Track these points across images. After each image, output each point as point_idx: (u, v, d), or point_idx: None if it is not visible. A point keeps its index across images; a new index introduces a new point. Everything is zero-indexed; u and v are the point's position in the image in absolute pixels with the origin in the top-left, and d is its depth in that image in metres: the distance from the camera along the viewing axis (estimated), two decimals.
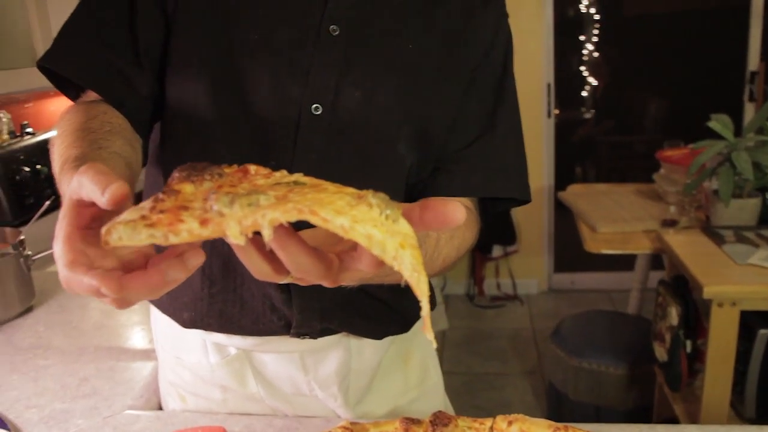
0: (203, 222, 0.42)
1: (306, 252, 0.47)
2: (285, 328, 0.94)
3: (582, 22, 4.81)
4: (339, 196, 0.44)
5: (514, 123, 0.99)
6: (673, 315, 2.04)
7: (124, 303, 0.49)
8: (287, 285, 0.91)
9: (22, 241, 1.43)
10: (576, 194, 2.91)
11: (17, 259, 1.41)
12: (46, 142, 1.81)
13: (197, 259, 0.48)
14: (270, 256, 0.49)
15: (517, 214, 3.99)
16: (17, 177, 1.68)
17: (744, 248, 1.98)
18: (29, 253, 1.45)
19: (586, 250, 2.36)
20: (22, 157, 1.72)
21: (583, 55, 5.04)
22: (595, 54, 4.97)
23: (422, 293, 0.43)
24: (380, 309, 1.01)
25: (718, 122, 2.25)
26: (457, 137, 0.94)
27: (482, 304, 4.17)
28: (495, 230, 4.04)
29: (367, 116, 0.88)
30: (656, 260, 2.83)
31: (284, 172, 0.48)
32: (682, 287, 2.05)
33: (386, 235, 0.42)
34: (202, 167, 0.47)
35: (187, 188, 0.45)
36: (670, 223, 2.33)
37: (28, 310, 1.48)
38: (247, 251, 0.48)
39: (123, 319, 1.43)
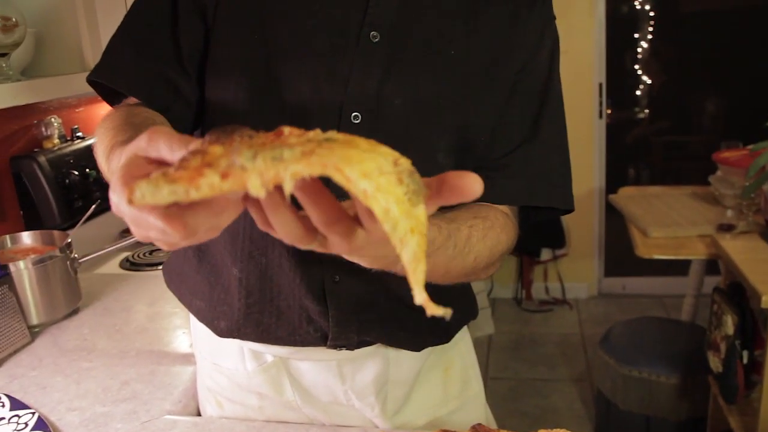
0: (224, 175, 0.41)
1: (334, 206, 0.47)
2: (321, 339, 0.93)
3: (636, 19, 4.69)
4: (371, 156, 0.42)
5: (559, 129, 0.95)
6: (729, 324, 1.95)
7: (188, 234, 0.47)
8: (324, 298, 0.90)
9: (69, 244, 1.46)
10: (627, 197, 2.82)
11: (64, 262, 1.44)
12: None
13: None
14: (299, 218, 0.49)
15: (567, 216, 3.91)
16: (66, 180, 1.71)
17: None
18: (76, 255, 1.48)
19: (638, 255, 2.29)
20: (71, 161, 1.76)
21: (637, 52, 4.92)
22: (650, 52, 4.84)
23: (417, 282, 0.42)
24: (419, 320, 0.98)
25: None
26: (499, 144, 0.91)
27: (530, 308, 4.10)
28: (544, 233, 3.97)
29: (407, 125, 0.86)
30: (712, 265, 2.72)
31: (318, 131, 0.46)
32: (738, 295, 1.97)
33: (402, 215, 0.41)
34: (231, 129, 0.46)
35: (216, 150, 0.43)
36: (726, 228, 2.24)
37: (74, 312, 1.50)
38: (278, 209, 0.47)
39: (165, 322, 1.44)
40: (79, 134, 1.86)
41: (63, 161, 1.73)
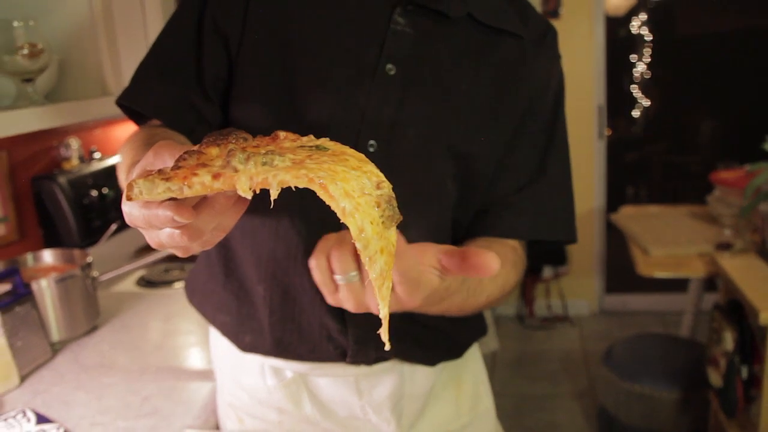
0: (216, 176, 0.45)
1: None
2: (341, 356, 0.98)
3: (634, 42, 4.76)
4: (356, 175, 0.46)
5: (564, 168, 1.01)
6: (728, 340, 2.00)
7: (196, 233, 0.51)
8: (343, 316, 0.94)
9: (89, 263, 1.51)
10: (628, 216, 2.88)
11: (84, 281, 1.49)
12: (112, 166, 1.90)
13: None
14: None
15: None
16: (85, 201, 1.76)
17: None
18: (96, 274, 1.53)
19: (639, 273, 2.34)
20: (89, 181, 1.81)
21: (635, 75, 4.99)
22: (648, 74, 4.91)
23: (382, 298, 0.48)
24: (434, 337, 1.04)
25: None
26: (508, 181, 0.96)
27: (533, 325, 4.14)
28: (545, 251, 4.01)
29: (419, 153, 0.91)
30: (711, 282, 2.77)
31: (311, 136, 0.51)
32: (737, 312, 2.02)
33: (375, 236, 0.45)
34: (227, 132, 0.50)
35: (213, 151, 0.48)
36: (724, 247, 2.30)
37: (93, 329, 1.55)
38: (342, 257, 0.61)
39: (181, 339, 1.49)
40: (97, 155, 1.91)
41: (82, 182, 1.78)
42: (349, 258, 0.62)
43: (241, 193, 0.45)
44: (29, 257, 1.56)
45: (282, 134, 0.51)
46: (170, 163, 0.51)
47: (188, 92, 0.92)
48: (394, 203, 0.47)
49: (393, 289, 0.59)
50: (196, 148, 0.49)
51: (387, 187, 0.47)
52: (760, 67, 4.14)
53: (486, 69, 0.94)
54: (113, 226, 1.57)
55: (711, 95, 4.45)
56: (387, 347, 0.52)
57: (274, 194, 0.44)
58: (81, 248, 1.63)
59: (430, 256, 0.62)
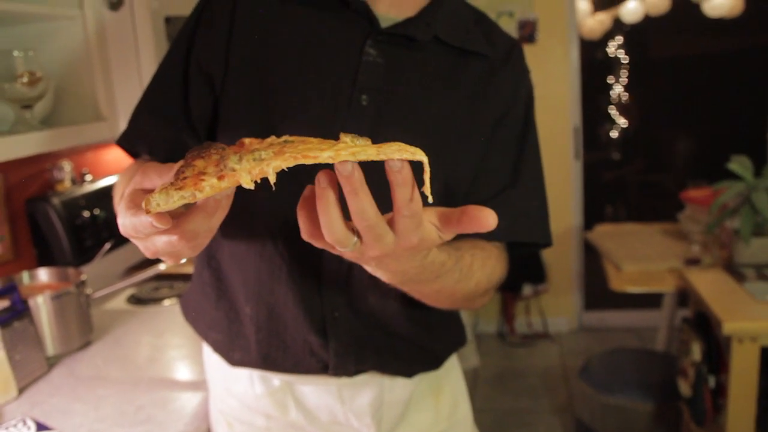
0: (220, 177, 0.54)
1: (369, 197, 0.57)
2: (323, 368, 1.05)
3: (611, 65, 4.92)
4: (321, 143, 0.56)
5: (537, 174, 1.07)
6: (696, 351, 2.09)
7: (192, 235, 0.60)
8: (325, 332, 1.02)
9: (83, 281, 1.57)
10: (602, 234, 2.98)
11: (78, 297, 1.55)
12: (103, 188, 1.97)
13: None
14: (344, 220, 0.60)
15: (547, 253, 4.05)
16: (77, 221, 1.83)
17: (764, 286, 2.04)
18: (89, 291, 1.59)
19: (611, 288, 2.43)
20: (82, 203, 1.88)
21: (612, 96, 5.14)
22: (625, 95, 5.07)
23: (398, 148, 0.55)
24: (412, 350, 1.11)
25: (738, 164, 2.32)
26: (482, 189, 1.02)
27: (513, 342, 4.22)
28: (525, 269, 4.11)
29: None
30: (684, 298, 2.87)
31: (273, 137, 0.60)
32: (704, 324, 2.11)
33: (361, 149, 0.54)
34: (207, 146, 0.59)
35: (199, 163, 0.56)
36: (693, 262, 2.40)
37: (87, 344, 1.61)
38: (328, 210, 0.57)
39: (173, 353, 1.55)
40: (88, 177, 1.98)
41: (74, 203, 1.85)
42: (342, 231, 0.60)
43: (245, 185, 0.53)
44: (25, 275, 1.62)
45: (247, 140, 0.60)
46: (157, 182, 0.61)
47: (178, 131, 1.00)
48: (356, 135, 0.57)
49: (394, 224, 0.60)
50: (182, 162, 0.57)
51: (343, 136, 0.57)
52: (729, 88, 4.29)
53: (456, 90, 1.01)
54: (107, 245, 1.64)
55: (685, 116, 4.60)
56: (430, 200, 0.59)
57: (272, 178, 0.53)
58: (74, 267, 1.70)
59: (429, 213, 0.64)
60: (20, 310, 1.41)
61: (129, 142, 1.05)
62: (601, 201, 4.83)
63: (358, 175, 0.55)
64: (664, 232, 2.91)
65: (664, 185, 4.94)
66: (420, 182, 0.59)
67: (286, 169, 0.54)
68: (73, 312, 1.54)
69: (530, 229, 1.05)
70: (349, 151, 0.54)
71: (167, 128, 1.01)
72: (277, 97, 0.97)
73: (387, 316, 1.06)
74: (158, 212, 0.55)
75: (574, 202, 3.96)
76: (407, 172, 0.57)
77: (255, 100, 0.98)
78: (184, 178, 0.54)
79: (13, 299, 1.40)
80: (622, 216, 5.12)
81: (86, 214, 1.86)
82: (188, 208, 0.59)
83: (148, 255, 0.68)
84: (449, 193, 1.00)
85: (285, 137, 0.59)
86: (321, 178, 0.57)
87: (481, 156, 1.02)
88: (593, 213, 4.29)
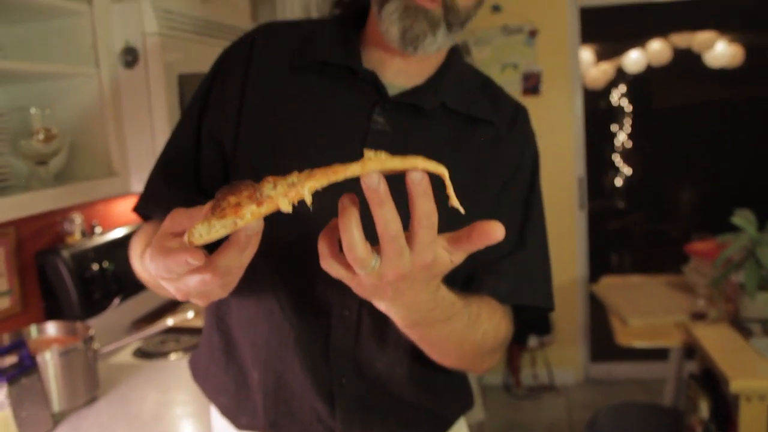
0: (259, 203, 0.57)
1: (394, 209, 0.61)
2: None
3: (615, 114, 4.98)
4: (348, 166, 0.60)
5: (541, 238, 1.09)
6: (704, 408, 2.07)
7: (225, 271, 0.62)
8: (332, 399, 1.02)
9: (91, 336, 1.58)
10: (608, 286, 2.97)
11: (86, 353, 1.55)
12: (112, 241, 1.99)
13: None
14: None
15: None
16: (86, 274, 1.84)
17: None
18: (97, 346, 1.60)
19: (617, 343, 2.42)
20: (91, 255, 1.89)
21: (616, 144, 5.19)
22: (629, 143, 5.12)
23: (386, 160, 0.60)
24: (419, 415, 1.10)
25: (742, 217, 2.34)
26: (488, 252, 1.04)
27: (519, 394, 4.17)
28: (530, 321, 4.07)
29: None
30: (691, 350, 2.85)
31: (296, 172, 0.62)
32: (711, 380, 2.09)
33: (387, 159, 0.59)
34: (236, 184, 0.62)
35: (232, 199, 0.59)
36: (699, 316, 2.39)
37: (93, 400, 1.60)
38: (350, 219, 0.60)
39: (179, 410, 1.54)
40: (98, 229, 2.00)
41: (83, 256, 1.86)
42: (364, 251, 0.62)
43: (283, 208, 0.57)
44: (33, 329, 1.63)
45: (271, 178, 0.62)
46: (187, 224, 0.63)
47: (191, 195, 1.02)
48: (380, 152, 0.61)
49: (411, 238, 0.63)
50: (214, 201, 0.60)
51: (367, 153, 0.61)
52: (732, 137, 4.34)
53: (463, 156, 1.02)
54: (116, 300, 1.65)
55: (688, 164, 4.63)
56: (461, 210, 0.64)
57: (308, 199, 0.57)
58: (81, 320, 1.70)
59: (438, 239, 0.66)
60: (28, 366, 1.41)
61: (145, 208, 1.07)
62: (607, 249, 4.83)
63: (384, 187, 0.59)
64: (670, 284, 2.91)
65: (669, 235, 4.94)
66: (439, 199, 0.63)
67: (316, 195, 0.58)
68: (81, 368, 1.54)
69: (534, 293, 1.06)
70: (375, 163, 0.58)
71: (181, 193, 1.03)
72: (286, 164, 0.99)
73: (394, 382, 1.06)
74: (193, 248, 0.58)
75: (579, 253, 3.96)
76: (427, 182, 0.61)
77: (264, 167, 0.99)
78: (222, 209, 0.57)
79: (22, 355, 1.41)
80: (627, 264, 5.11)
81: (95, 266, 1.87)
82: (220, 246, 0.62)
83: (179, 297, 0.69)
84: None
85: (307, 170, 0.61)
86: (344, 199, 0.61)
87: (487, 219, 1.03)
88: (599, 261, 4.29)
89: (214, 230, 0.56)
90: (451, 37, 0.99)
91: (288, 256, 0.99)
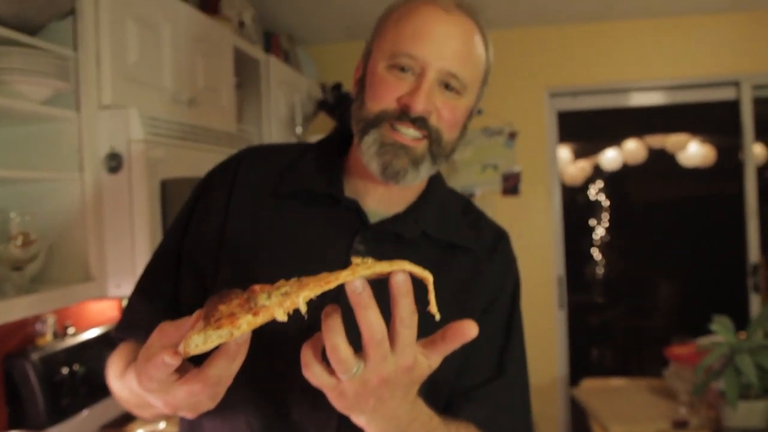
0: (255, 313, 0.58)
1: (378, 313, 0.62)
2: None
3: (593, 208, 5.07)
4: (334, 273, 0.61)
5: (521, 365, 1.09)
6: None
7: (216, 381, 0.62)
8: None
9: None
10: (589, 390, 2.94)
11: None
12: (85, 342, 1.95)
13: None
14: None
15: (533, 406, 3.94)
16: (55, 378, 1.79)
17: None
18: None
19: None
20: (62, 358, 1.84)
21: (593, 238, 5.25)
22: (607, 238, 5.18)
23: (375, 265, 0.61)
24: None
25: (720, 324, 2.34)
26: (467, 378, 1.02)
27: None
28: None
29: None
30: None
31: (282, 280, 0.63)
32: None
33: (375, 264, 0.61)
34: (224, 293, 0.63)
35: (223, 308, 0.60)
36: (681, 425, 2.36)
37: None
38: (335, 336, 0.62)
39: None
40: (71, 330, 1.96)
41: (54, 359, 1.82)
42: (348, 354, 0.64)
43: (279, 318, 0.57)
44: None
45: (257, 287, 0.63)
46: (175, 335, 0.64)
47: (171, 318, 1.01)
48: (369, 259, 0.64)
49: (393, 339, 0.64)
50: (204, 310, 0.61)
51: (355, 261, 0.63)
52: (710, 231, 4.41)
53: (443, 282, 1.02)
54: (85, 412, 1.60)
55: (666, 259, 4.68)
56: (437, 317, 0.66)
57: (303, 308, 0.58)
58: (47, 427, 1.64)
59: (416, 345, 0.67)
60: None
61: (126, 331, 1.05)
62: (587, 345, 4.80)
63: (368, 292, 0.61)
64: (651, 388, 2.88)
65: (649, 330, 4.94)
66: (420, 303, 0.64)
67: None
68: None
69: (514, 422, 1.05)
70: (365, 268, 0.60)
71: (161, 316, 1.01)
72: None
73: None
74: (169, 348, 0.60)
75: (559, 353, 3.91)
76: (409, 284, 0.63)
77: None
78: (218, 319, 0.58)
79: None
80: (608, 359, 5.07)
81: (65, 370, 1.83)
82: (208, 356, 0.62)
83: (168, 411, 0.69)
84: (435, 387, 1.00)
85: (294, 278, 0.63)
86: (327, 308, 0.62)
87: (468, 347, 1.03)
88: (579, 357, 4.24)
89: (210, 340, 0.57)
90: (436, 168, 1.01)
91: (262, 382, 0.97)
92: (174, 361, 0.60)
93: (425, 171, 0.98)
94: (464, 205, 1.14)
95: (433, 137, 0.96)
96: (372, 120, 0.95)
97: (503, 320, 1.08)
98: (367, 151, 0.95)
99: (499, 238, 1.12)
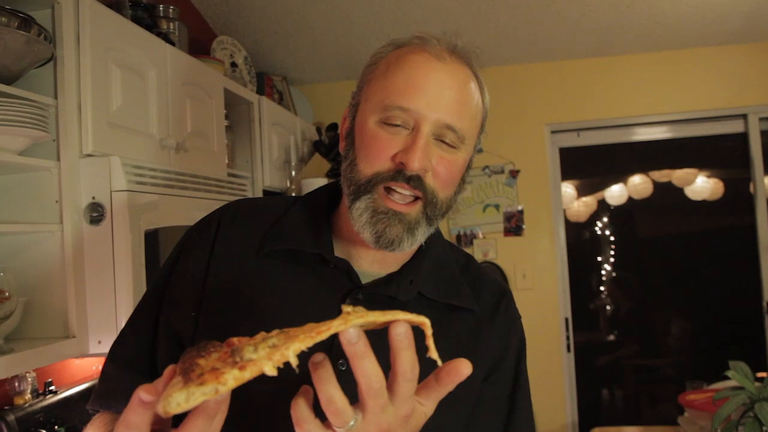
0: (241, 368, 0.52)
1: (376, 362, 0.58)
2: None
3: (599, 243, 4.97)
4: (322, 323, 0.57)
5: (528, 429, 1.00)
6: None
7: None
8: None
9: None
10: None
11: None
12: (66, 400, 1.85)
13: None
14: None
15: None
16: None
17: None
18: None
19: None
20: (41, 418, 1.75)
21: (600, 275, 5.15)
22: (613, 274, 5.08)
23: (367, 313, 0.57)
24: None
25: (737, 372, 2.23)
26: None
27: None
28: None
29: None
30: None
31: (263, 333, 0.58)
32: None
33: (368, 313, 0.58)
34: (202, 346, 0.56)
35: (202, 362, 0.53)
36: None
37: None
38: (325, 374, 0.58)
39: None
40: (52, 388, 1.87)
41: (32, 419, 1.72)
42: (345, 405, 0.60)
43: (268, 372, 0.52)
44: None
45: (235, 340, 0.57)
46: (152, 395, 0.57)
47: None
48: (360, 308, 0.60)
49: (392, 391, 0.61)
50: (181, 365, 0.55)
51: (347, 311, 0.59)
52: (719, 266, 4.30)
53: (443, 346, 0.95)
54: None
55: (676, 296, 4.57)
56: (439, 363, 0.62)
57: (294, 362, 0.53)
58: None
59: None
60: None
61: (102, 404, 0.97)
62: (597, 386, 4.66)
63: (364, 341, 0.57)
64: None
65: (661, 369, 4.80)
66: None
67: (306, 350, 0.54)
68: None
69: None
70: (357, 317, 0.56)
71: (136, 383, 0.94)
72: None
73: None
74: (148, 387, 0.54)
75: (568, 398, 3.78)
76: (411, 337, 0.59)
77: None
78: (200, 375, 0.51)
79: None
80: (618, 401, 4.93)
81: (43, 431, 1.73)
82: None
83: None
84: None
85: (276, 330, 0.58)
86: (315, 357, 0.58)
87: (471, 414, 0.96)
88: (588, 400, 4.10)
89: (194, 398, 0.50)
90: (432, 229, 0.95)
91: None
92: (149, 396, 0.54)
93: (421, 235, 0.91)
94: (464, 262, 1.07)
95: (428, 198, 0.89)
96: (364, 184, 0.89)
97: (508, 387, 1.01)
98: (359, 218, 0.89)
99: (502, 297, 1.05)
